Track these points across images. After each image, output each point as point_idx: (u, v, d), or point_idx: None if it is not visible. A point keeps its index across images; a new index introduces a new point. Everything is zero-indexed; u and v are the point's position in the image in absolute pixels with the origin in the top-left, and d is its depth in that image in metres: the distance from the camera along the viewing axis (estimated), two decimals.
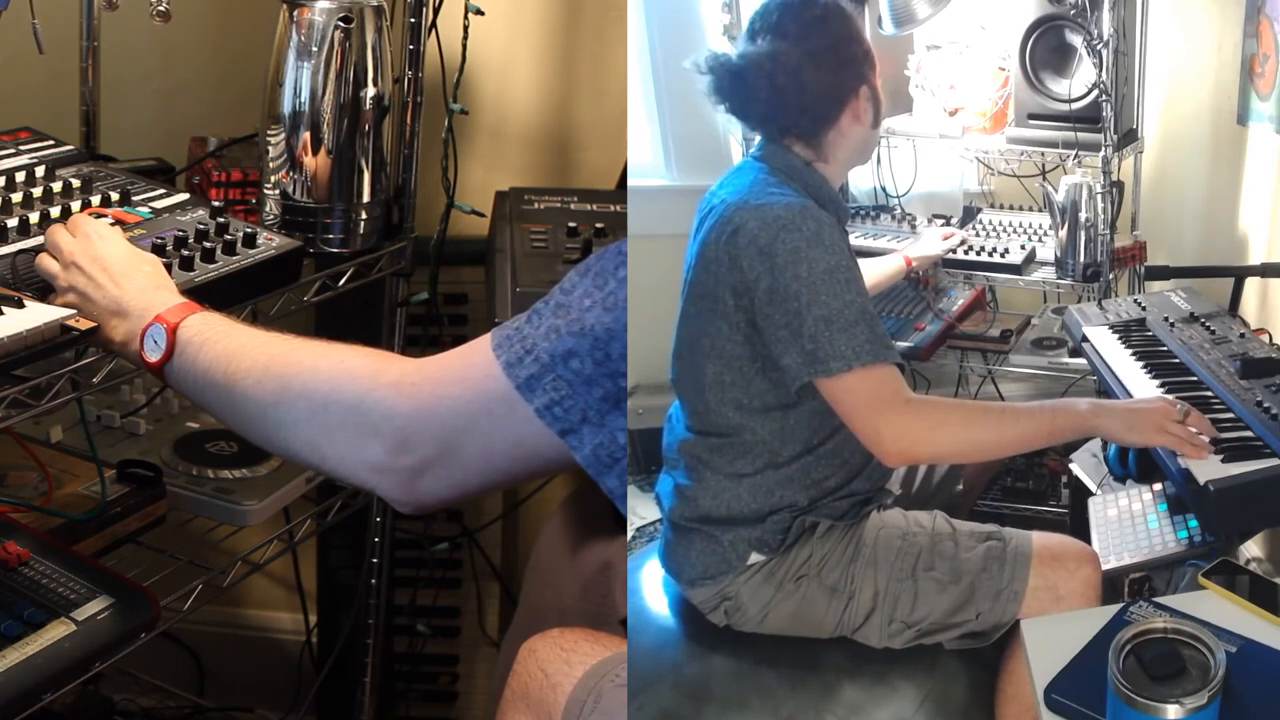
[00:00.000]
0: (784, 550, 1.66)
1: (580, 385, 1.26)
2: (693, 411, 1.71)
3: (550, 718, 1.65)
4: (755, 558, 1.66)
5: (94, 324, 1.54)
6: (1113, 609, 1.44)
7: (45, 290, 1.62)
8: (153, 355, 1.51)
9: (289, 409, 1.40)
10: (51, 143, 2.05)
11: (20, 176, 1.91)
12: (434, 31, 2.18)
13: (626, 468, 1.27)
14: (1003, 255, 2.57)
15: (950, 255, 2.60)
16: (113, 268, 1.60)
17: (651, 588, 1.81)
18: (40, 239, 1.71)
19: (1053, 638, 1.41)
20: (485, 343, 1.33)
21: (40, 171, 1.93)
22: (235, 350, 1.46)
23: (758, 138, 1.75)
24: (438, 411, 1.31)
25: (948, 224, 2.73)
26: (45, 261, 1.64)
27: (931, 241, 2.59)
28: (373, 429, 1.33)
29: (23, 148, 2.00)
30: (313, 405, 1.38)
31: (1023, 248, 2.58)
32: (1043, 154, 2.52)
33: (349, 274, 2.06)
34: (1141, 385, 1.87)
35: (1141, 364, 1.93)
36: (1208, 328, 2.00)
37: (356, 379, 1.36)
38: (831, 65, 1.68)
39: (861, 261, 1.90)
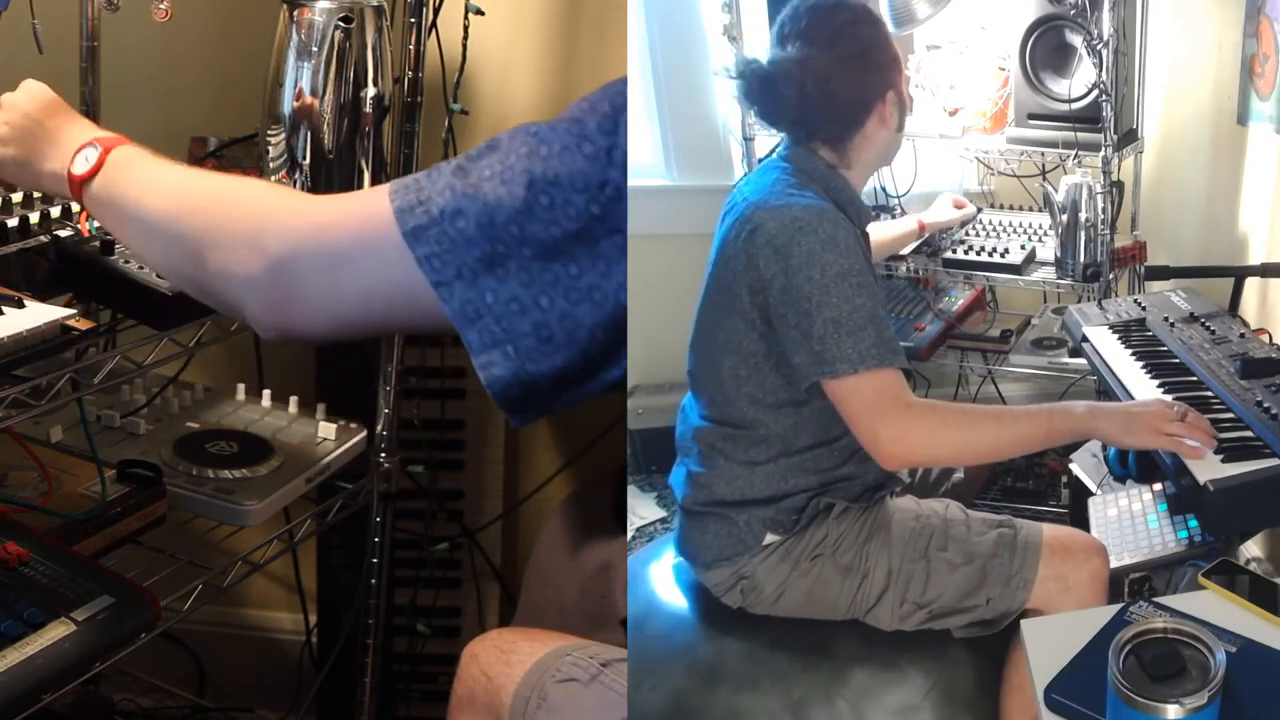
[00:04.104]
0: (800, 531, 1.68)
1: (461, 243, 1.29)
2: (709, 402, 1.73)
3: (499, 719, 1.67)
4: (771, 538, 1.69)
5: (94, 324, 1.54)
6: (1113, 609, 1.44)
7: (46, 291, 1.62)
8: (80, 169, 1.51)
9: (186, 221, 1.41)
10: None
11: None
12: (434, 31, 2.18)
13: (492, 328, 1.29)
14: (1003, 255, 2.57)
15: (950, 255, 2.60)
16: (46, 105, 1.62)
17: (662, 579, 1.82)
18: (41, 239, 1.71)
19: (1053, 638, 1.41)
20: (383, 189, 1.35)
21: None
22: (154, 175, 1.48)
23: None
24: (327, 240, 1.33)
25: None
26: None
27: (944, 208, 2.60)
28: (261, 248, 1.34)
29: None
30: (206, 219, 1.39)
31: (1023, 248, 2.58)
32: (1043, 154, 2.52)
33: None
34: (1141, 385, 1.87)
35: (1141, 364, 1.93)
36: (1208, 328, 2.00)
37: (259, 200, 1.40)
38: (859, 71, 1.69)
39: (874, 223, 1.90)
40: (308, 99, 2.00)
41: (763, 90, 1.70)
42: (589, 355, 1.31)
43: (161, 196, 1.44)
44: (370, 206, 1.34)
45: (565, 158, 1.29)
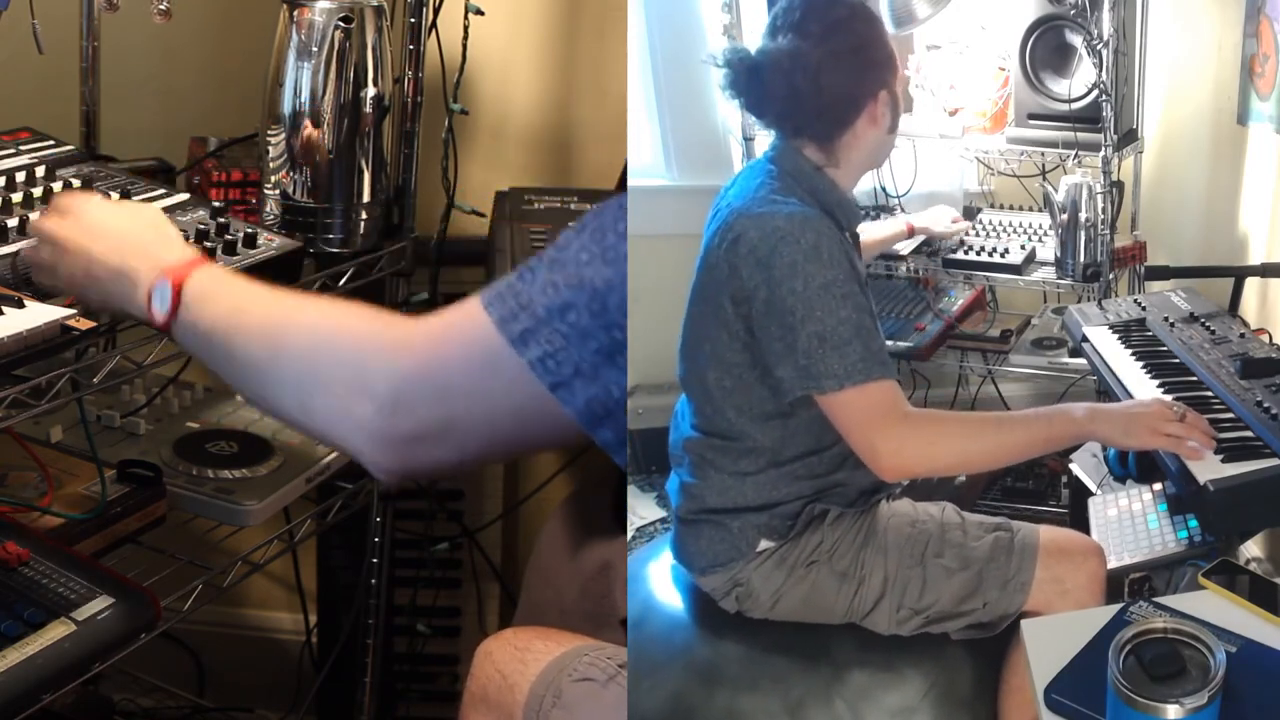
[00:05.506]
0: (794, 537, 1.67)
1: (576, 338, 1.22)
2: (698, 411, 1.72)
3: (512, 718, 1.66)
4: (765, 544, 1.67)
5: (94, 324, 1.53)
6: (1113, 609, 1.44)
7: (46, 291, 1.62)
8: (159, 313, 1.44)
9: (285, 366, 1.34)
10: (51, 143, 2.05)
11: (20, 176, 1.91)
12: (434, 31, 2.18)
13: (624, 422, 1.23)
14: (1003, 255, 2.57)
15: (950, 255, 2.60)
16: (110, 233, 1.53)
17: (661, 580, 1.82)
18: None
19: (1053, 638, 1.41)
20: (474, 303, 1.28)
21: (40, 171, 1.93)
22: (238, 306, 1.41)
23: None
24: (434, 371, 1.26)
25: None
26: (39, 254, 1.58)
27: (938, 216, 2.60)
28: (368, 391, 1.27)
29: (23, 148, 2.00)
30: (305, 363, 1.32)
31: (1023, 248, 2.58)
32: (1043, 154, 2.52)
33: (349, 274, 2.06)
34: (1141, 385, 1.87)
35: (1141, 364, 1.93)
36: (1208, 328, 2.00)
37: (357, 337, 1.31)
38: (851, 68, 1.65)
39: (864, 224, 1.86)
40: (307, 99, 2.00)
41: (750, 80, 1.66)
42: None
43: (255, 338, 1.36)
44: (469, 325, 1.26)
45: None
